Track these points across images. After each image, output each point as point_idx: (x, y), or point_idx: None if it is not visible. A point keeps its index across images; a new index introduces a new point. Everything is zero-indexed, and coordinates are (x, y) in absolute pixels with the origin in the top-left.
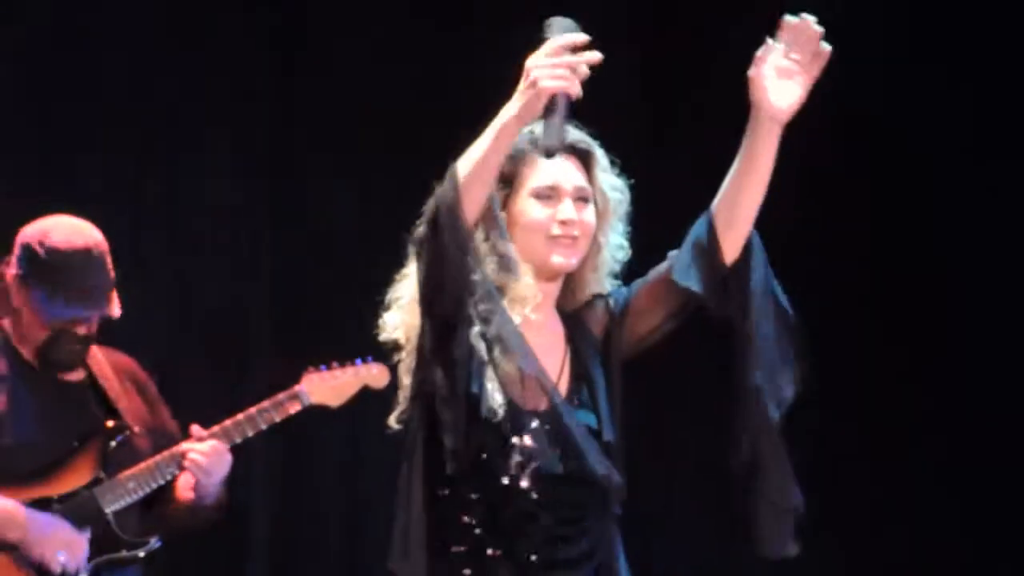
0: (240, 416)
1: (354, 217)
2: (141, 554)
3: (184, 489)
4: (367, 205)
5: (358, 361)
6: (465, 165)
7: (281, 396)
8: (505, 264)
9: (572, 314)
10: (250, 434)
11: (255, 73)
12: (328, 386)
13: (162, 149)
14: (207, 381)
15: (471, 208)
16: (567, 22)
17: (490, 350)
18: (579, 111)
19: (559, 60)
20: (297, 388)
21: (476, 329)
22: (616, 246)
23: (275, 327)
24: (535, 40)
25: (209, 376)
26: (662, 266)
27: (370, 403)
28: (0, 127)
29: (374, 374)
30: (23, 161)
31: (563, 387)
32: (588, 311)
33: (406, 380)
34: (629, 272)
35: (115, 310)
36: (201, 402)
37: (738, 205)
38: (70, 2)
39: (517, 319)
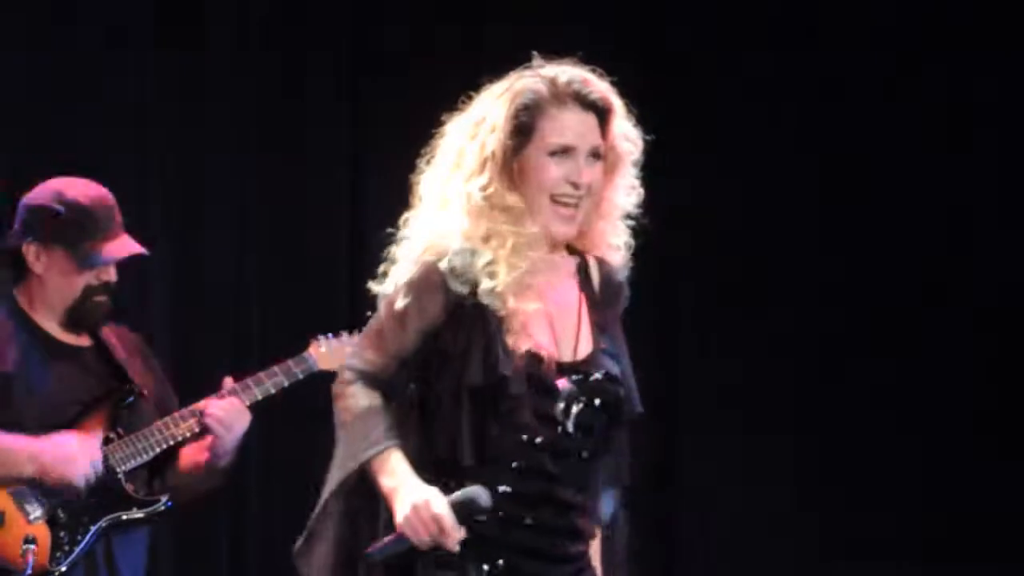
0: (249, 379)
1: None
2: (153, 513)
3: (199, 450)
4: None
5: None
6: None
7: (290, 361)
8: (510, 213)
9: (595, 267)
10: (259, 397)
11: None
12: (334, 353)
13: None
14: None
15: None
16: (484, 498)
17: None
18: None
19: (434, 528)
20: (305, 354)
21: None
22: (625, 191)
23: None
24: None
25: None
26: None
27: None
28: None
29: None
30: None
31: (585, 336)
32: (613, 284)
33: None
34: None
35: (141, 248)
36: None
37: None
38: None
39: (523, 265)
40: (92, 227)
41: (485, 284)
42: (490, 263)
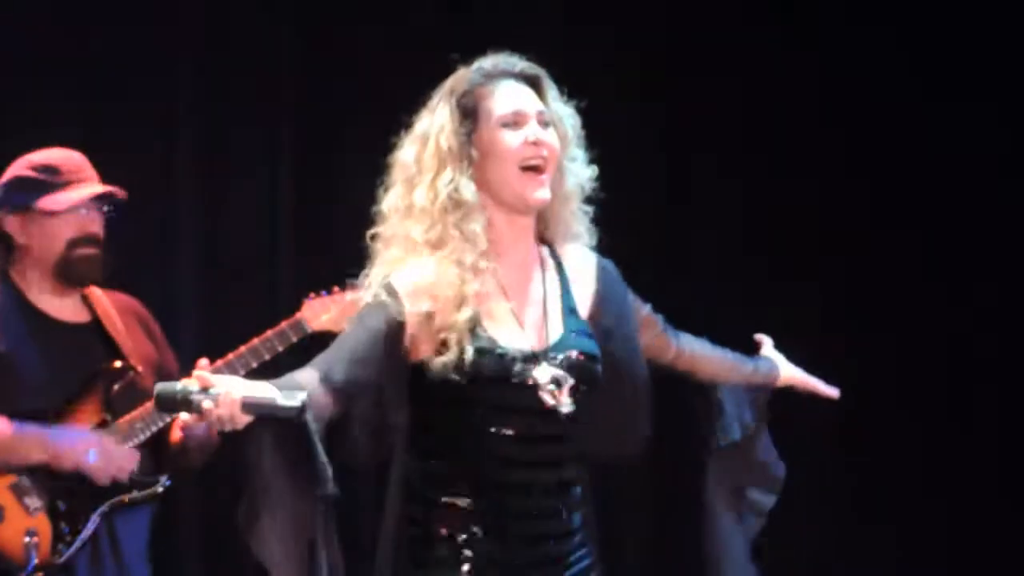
0: (243, 348)
1: None
2: (158, 490)
3: (175, 429)
4: None
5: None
6: None
7: (284, 325)
8: (461, 209)
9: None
10: (254, 365)
11: None
12: (328, 311)
13: None
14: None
15: None
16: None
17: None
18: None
19: None
20: (298, 316)
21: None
22: (580, 171)
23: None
24: None
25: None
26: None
27: None
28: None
29: None
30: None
31: (555, 319)
32: (579, 263)
33: None
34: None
35: (106, 188)
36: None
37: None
38: None
39: (472, 257)
40: (55, 178)
41: (420, 306)
42: (432, 283)
